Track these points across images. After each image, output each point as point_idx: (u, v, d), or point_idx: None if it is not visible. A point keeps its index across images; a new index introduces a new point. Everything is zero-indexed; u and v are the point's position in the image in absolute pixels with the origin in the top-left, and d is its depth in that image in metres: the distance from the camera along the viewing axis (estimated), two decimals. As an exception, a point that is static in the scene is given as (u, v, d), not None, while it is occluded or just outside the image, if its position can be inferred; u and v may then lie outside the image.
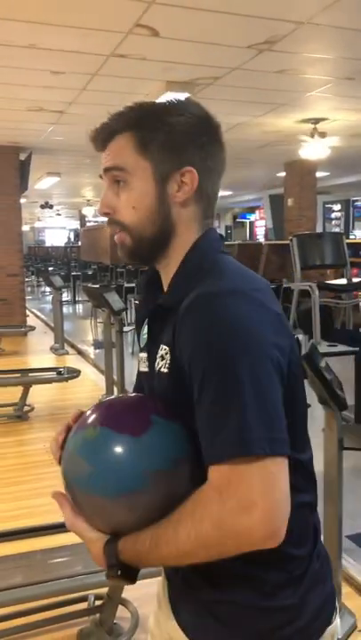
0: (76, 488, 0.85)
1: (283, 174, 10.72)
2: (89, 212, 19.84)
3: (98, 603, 2.11)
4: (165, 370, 0.86)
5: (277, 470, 0.75)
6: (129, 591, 2.03)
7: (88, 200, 17.89)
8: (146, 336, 0.95)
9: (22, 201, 9.04)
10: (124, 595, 2.04)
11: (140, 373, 0.98)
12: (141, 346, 0.97)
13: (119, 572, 0.82)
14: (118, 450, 0.81)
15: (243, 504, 0.73)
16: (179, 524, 0.78)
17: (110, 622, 2.01)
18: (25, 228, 9.78)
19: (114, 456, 0.81)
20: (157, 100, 0.92)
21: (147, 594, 1.08)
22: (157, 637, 1.01)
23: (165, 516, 0.80)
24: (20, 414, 4.56)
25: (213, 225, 0.95)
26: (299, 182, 10.22)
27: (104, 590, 2.02)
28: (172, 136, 0.88)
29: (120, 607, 2.07)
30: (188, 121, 0.89)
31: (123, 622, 2.07)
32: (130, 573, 0.83)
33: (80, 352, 7.34)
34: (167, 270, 0.93)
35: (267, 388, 0.77)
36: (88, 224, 20.34)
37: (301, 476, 0.87)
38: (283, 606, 0.86)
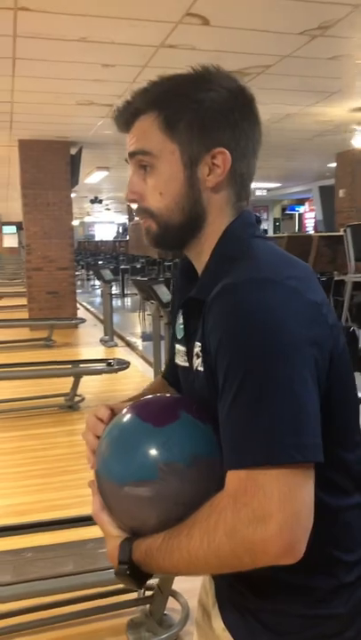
0: (97, 472, 0.84)
1: (334, 165, 10.48)
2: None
3: (148, 594, 2.11)
4: (201, 368, 0.82)
5: (301, 480, 0.69)
6: (179, 583, 2.02)
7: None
8: (182, 327, 0.91)
9: (72, 195, 9.15)
10: (174, 587, 2.03)
11: (177, 366, 0.95)
12: (178, 337, 0.93)
13: (128, 572, 0.79)
14: (136, 436, 0.80)
15: (257, 514, 0.68)
16: (193, 528, 0.73)
17: (160, 613, 2.00)
18: (75, 222, 9.91)
19: (130, 441, 0.80)
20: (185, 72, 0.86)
21: (197, 587, 1.06)
22: (203, 628, 0.99)
23: (180, 521, 0.76)
24: (71, 404, 4.63)
25: (248, 207, 0.88)
26: (351, 172, 9.96)
27: (154, 581, 2.01)
28: (201, 114, 0.81)
29: (171, 599, 2.06)
30: (219, 96, 0.82)
31: (173, 614, 2.06)
32: (139, 576, 0.80)
33: (129, 344, 7.39)
34: (200, 259, 0.87)
35: (297, 389, 0.70)
36: (136, 218, 20.40)
37: (350, 477, 0.82)
38: (331, 615, 0.81)
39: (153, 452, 0.77)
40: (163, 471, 0.76)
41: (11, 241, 24.71)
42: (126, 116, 0.85)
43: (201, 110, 0.81)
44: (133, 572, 0.79)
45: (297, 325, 0.73)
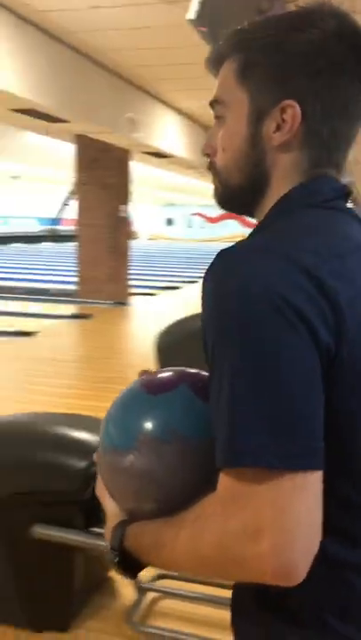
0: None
1: None
2: None
3: None
4: None
5: (293, 492, 0.57)
6: None
7: None
8: None
9: None
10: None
11: None
12: None
13: (117, 559, 0.72)
14: (128, 401, 0.75)
15: (248, 529, 0.57)
16: (180, 529, 0.65)
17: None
18: None
19: (121, 407, 0.75)
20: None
21: None
22: None
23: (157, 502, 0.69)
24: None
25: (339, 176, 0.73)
26: None
27: None
28: (279, 59, 0.68)
29: None
30: (307, 37, 0.67)
31: None
32: (130, 566, 0.73)
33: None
34: None
35: (282, 375, 0.57)
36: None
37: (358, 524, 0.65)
38: None
39: (135, 420, 0.72)
40: (139, 442, 0.70)
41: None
42: (213, 62, 0.76)
43: (280, 54, 0.69)
44: (123, 562, 0.73)
45: (287, 303, 0.58)
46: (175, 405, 0.71)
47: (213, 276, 0.63)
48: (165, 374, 0.77)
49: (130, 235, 10.03)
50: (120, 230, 9.58)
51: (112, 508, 0.77)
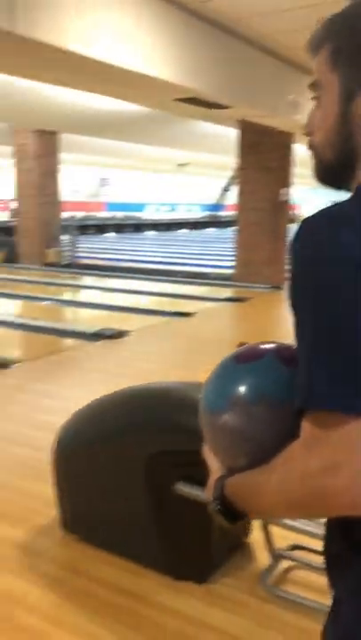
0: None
1: None
2: None
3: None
4: None
5: None
6: None
7: None
8: None
9: None
10: None
11: None
12: None
13: (218, 507, 0.82)
14: (221, 370, 0.85)
15: (327, 467, 0.65)
16: (270, 474, 0.73)
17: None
18: None
19: (215, 375, 0.85)
20: None
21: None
22: None
23: (251, 457, 0.78)
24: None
25: None
26: None
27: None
28: None
29: None
30: None
31: None
32: (231, 514, 0.81)
33: None
34: None
35: (356, 333, 0.64)
36: None
37: None
38: None
39: (228, 384, 0.81)
40: (231, 403, 0.80)
41: None
42: (312, 47, 0.84)
43: None
44: (224, 510, 0.82)
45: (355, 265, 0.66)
46: (263, 372, 0.81)
47: (300, 242, 0.71)
48: (256, 346, 0.87)
49: (291, 219, 9.94)
50: (280, 214, 9.54)
51: (214, 465, 0.87)
